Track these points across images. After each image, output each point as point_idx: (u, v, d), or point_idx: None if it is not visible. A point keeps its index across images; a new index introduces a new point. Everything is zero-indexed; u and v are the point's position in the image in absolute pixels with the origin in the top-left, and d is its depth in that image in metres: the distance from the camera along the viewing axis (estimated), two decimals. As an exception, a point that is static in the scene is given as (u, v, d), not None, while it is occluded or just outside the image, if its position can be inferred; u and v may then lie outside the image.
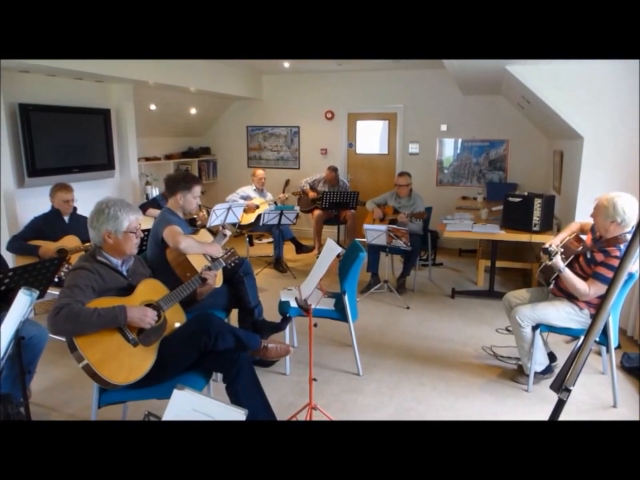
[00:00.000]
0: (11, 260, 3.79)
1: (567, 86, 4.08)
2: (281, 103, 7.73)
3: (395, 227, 4.71)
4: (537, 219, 4.39)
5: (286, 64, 6.69)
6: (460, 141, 7.02)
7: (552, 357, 3.41)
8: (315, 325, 2.58)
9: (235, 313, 3.50)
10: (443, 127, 7.01)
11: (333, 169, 6.63)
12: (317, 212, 6.54)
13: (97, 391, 2.27)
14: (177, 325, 2.40)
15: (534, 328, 3.10)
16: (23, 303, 1.68)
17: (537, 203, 4.38)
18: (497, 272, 5.05)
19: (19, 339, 2.16)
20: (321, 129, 7.62)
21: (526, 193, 4.61)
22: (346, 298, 3.29)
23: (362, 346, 3.68)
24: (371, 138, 7.56)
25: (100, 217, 2.27)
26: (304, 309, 2.50)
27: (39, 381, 3.18)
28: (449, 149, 7.10)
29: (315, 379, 2.66)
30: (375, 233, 4.73)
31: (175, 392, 1.30)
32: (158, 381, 2.26)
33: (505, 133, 6.77)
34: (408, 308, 4.73)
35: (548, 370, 3.29)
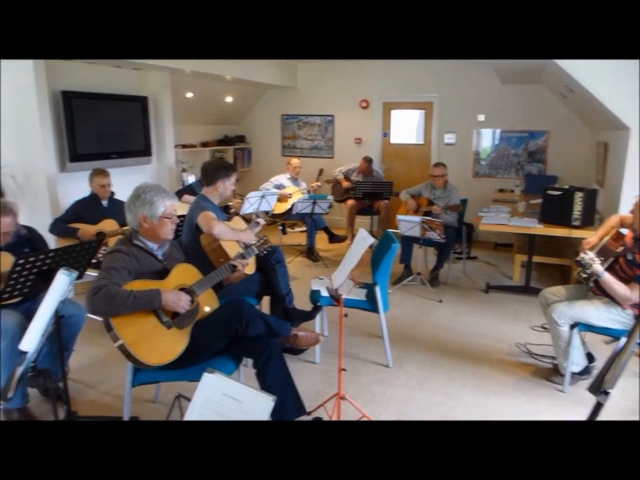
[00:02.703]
0: (52, 241, 3.91)
1: (613, 74, 3.90)
2: (315, 92, 7.70)
3: (429, 218, 4.64)
4: (578, 213, 4.25)
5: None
6: (498, 131, 6.84)
7: (590, 357, 3.29)
8: (346, 315, 2.56)
9: (266, 300, 3.52)
10: (481, 117, 6.85)
11: (367, 159, 6.57)
12: (350, 202, 6.51)
13: (131, 371, 2.32)
14: (209, 309, 2.43)
15: (572, 326, 3.00)
16: (62, 282, 1.72)
17: (578, 196, 4.23)
18: (533, 267, 4.92)
19: (59, 318, 2.24)
20: (355, 118, 7.55)
21: (566, 186, 4.46)
22: (377, 289, 3.27)
23: (392, 338, 3.66)
24: (406, 127, 7.45)
25: (137, 201, 2.31)
26: (335, 298, 2.49)
27: (77, 359, 3.29)
28: (486, 140, 6.93)
29: (344, 369, 2.65)
30: (408, 224, 4.67)
31: (205, 375, 1.32)
32: (189, 364, 2.30)
33: (546, 124, 6.55)
34: (440, 301, 4.67)
35: (585, 371, 3.18)
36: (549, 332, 3.19)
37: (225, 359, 2.42)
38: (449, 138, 7.10)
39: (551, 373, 3.26)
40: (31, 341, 1.70)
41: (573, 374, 3.12)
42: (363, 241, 2.50)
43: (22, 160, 4.73)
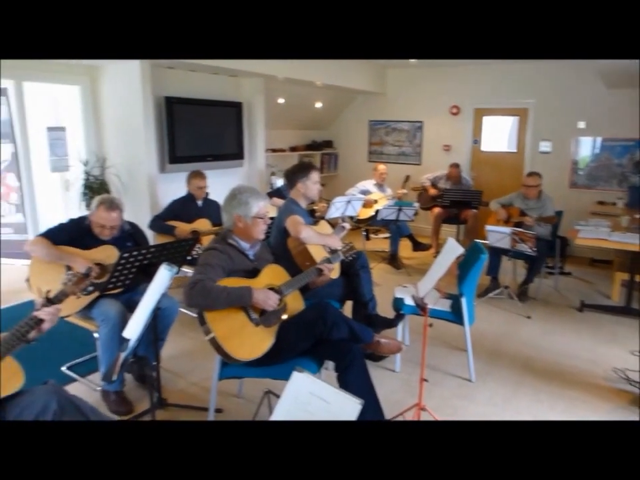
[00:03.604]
0: (151, 238, 4.19)
1: None
2: (404, 98, 7.63)
3: (520, 230, 4.44)
4: (691, 231, 3.88)
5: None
6: (599, 139, 6.40)
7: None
8: (431, 325, 2.52)
9: (348, 305, 3.54)
10: (581, 124, 6.44)
11: (456, 166, 6.41)
12: (436, 210, 6.38)
13: (219, 364, 2.43)
14: (296, 311, 2.49)
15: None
16: (164, 276, 1.84)
17: (693, 213, 3.86)
18: (635, 287, 4.55)
19: (156, 309, 2.39)
20: (445, 125, 7.40)
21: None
22: (463, 300, 3.18)
23: (476, 352, 3.53)
24: (498, 135, 7.19)
25: (232, 201, 2.43)
26: (420, 307, 2.45)
27: (167, 349, 3.48)
28: (585, 148, 6.51)
29: (425, 380, 2.60)
30: (498, 235, 4.50)
31: (295, 374, 1.35)
32: (274, 362, 2.36)
33: (657, 133, 6.04)
34: (529, 317, 4.44)
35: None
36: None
37: (308, 360, 2.46)
38: (545, 146, 6.75)
39: (654, 403, 3.00)
40: (133, 329, 1.83)
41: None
42: (452, 250, 2.45)
43: (126, 160, 5.11)
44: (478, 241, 3.48)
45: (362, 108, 8.03)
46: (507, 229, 4.47)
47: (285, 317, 2.42)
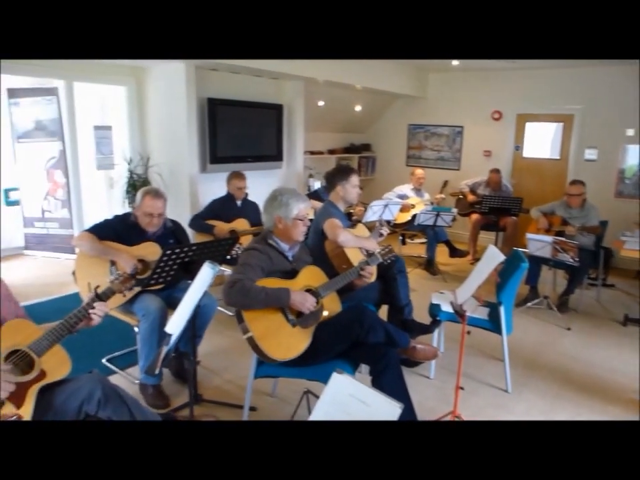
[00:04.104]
0: (190, 236, 4.27)
1: None
2: (445, 102, 7.55)
3: (562, 239, 4.32)
4: None
5: (455, 62, 6.52)
6: (649, 148, 6.17)
7: None
8: (469, 333, 2.49)
9: (383, 309, 3.52)
10: (630, 132, 6.22)
11: (496, 172, 6.30)
12: (474, 216, 6.28)
13: (255, 363, 2.46)
14: (333, 313, 2.49)
15: None
16: (207, 274, 1.88)
17: None
18: (684, 302, 4.37)
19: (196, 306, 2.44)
20: (486, 130, 7.28)
21: None
22: (502, 309, 3.12)
23: (513, 362, 3.46)
24: (541, 141, 7.02)
25: (273, 202, 2.46)
26: (459, 314, 2.42)
27: (203, 346, 3.54)
28: (633, 157, 6.28)
29: (461, 387, 2.57)
30: (538, 243, 4.40)
31: (334, 375, 1.35)
32: (309, 363, 2.37)
33: None
34: (569, 329, 4.32)
35: None
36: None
37: (343, 362, 2.46)
38: (590, 154, 6.56)
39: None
40: (176, 325, 1.87)
41: None
42: (493, 257, 2.41)
43: (169, 160, 5.24)
44: (518, 249, 3.41)
45: (401, 112, 7.99)
46: (549, 238, 4.36)
47: (321, 318, 2.44)
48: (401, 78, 6.94)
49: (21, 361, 1.77)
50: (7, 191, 6.21)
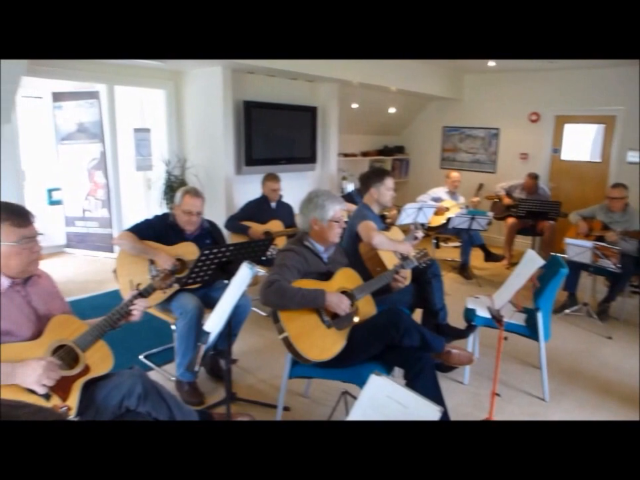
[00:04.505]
0: (226, 237, 4.34)
1: None
2: (481, 104, 7.45)
3: (603, 244, 4.20)
4: None
5: (491, 62, 6.42)
6: (697, 151, 5.94)
7: None
8: (506, 339, 2.44)
9: (417, 313, 3.49)
10: (675, 134, 6.01)
11: (534, 176, 6.17)
12: (510, 220, 6.16)
13: (290, 363, 2.48)
14: (367, 315, 2.49)
15: None
16: (245, 274, 1.91)
17: None
18: None
19: (233, 306, 2.47)
20: (522, 132, 7.14)
21: None
22: (539, 315, 3.05)
23: (551, 370, 3.38)
24: (580, 143, 6.84)
25: (309, 205, 2.48)
26: (496, 319, 2.39)
27: (238, 345, 3.60)
28: (680, 161, 6.07)
29: (497, 394, 2.52)
30: (578, 249, 4.28)
31: (372, 377, 1.35)
32: (343, 365, 2.38)
33: None
34: (610, 338, 4.19)
35: None
36: None
37: (377, 365, 2.45)
38: (633, 156, 6.35)
39: None
40: (215, 323, 1.91)
41: None
42: (532, 262, 2.37)
43: (205, 162, 5.34)
44: (557, 254, 3.34)
45: (436, 113, 7.92)
46: (589, 243, 4.24)
47: (356, 320, 2.44)
48: (436, 79, 6.88)
49: (67, 355, 1.83)
50: (50, 191, 6.44)
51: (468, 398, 3.14)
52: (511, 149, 7.28)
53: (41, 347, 1.79)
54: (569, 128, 6.87)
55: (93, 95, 5.74)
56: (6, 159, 4.21)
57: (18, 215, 1.78)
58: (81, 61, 4.61)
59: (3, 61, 3.39)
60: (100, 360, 1.91)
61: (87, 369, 1.85)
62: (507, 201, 6.27)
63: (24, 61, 3.60)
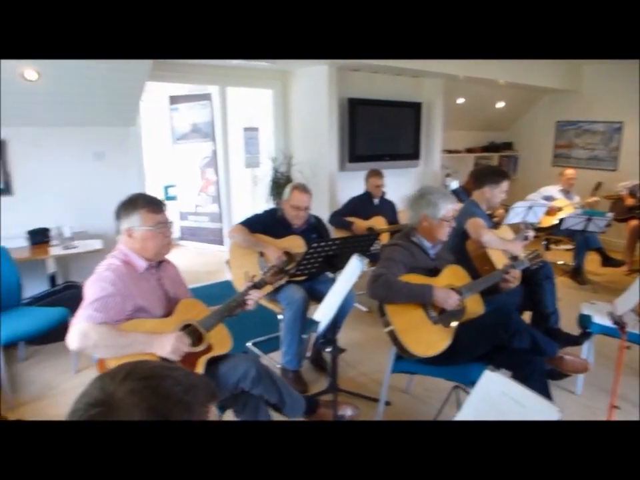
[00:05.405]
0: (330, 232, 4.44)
1: None
2: (602, 96, 6.88)
3: None
4: None
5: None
6: None
7: None
8: (628, 347, 2.28)
9: (525, 316, 3.34)
10: None
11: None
12: (633, 222, 5.65)
13: (393, 358, 2.50)
14: (475, 314, 2.44)
15: None
16: (355, 267, 1.96)
17: None
18: None
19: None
20: (650, 126, 6.52)
21: None
22: (668, 325, 2.79)
23: (678, 386, 3.08)
24: None
25: (421, 201, 2.48)
26: (620, 325, 2.23)
27: (340, 338, 3.66)
28: None
29: (617, 407, 2.35)
30: None
31: (486, 372, 1.34)
32: (448, 363, 2.35)
33: None
34: None
35: None
36: None
37: (483, 365, 2.37)
38: None
39: None
40: (324, 313, 1.98)
41: None
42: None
43: (310, 159, 5.49)
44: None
45: (549, 107, 7.46)
46: None
47: (463, 318, 2.40)
48: (550, 71, 6.48)
49: (192, 334, 2.01)
50: (166, 188, 6.98)
51: (580, 409, 2.96)
52: (635, 145, 6.66)
53: (171, 325, 1.98)
54: None
55: (206, 97, 6.13)
56: (132, 161, 4.61)
57: (153, 204, 2.00)
58: (196, 65, 4.95)
59: (129, 63, 3.73)
60: (221, 341, 2.07)
61: (209, 348, 2.01)
62: (629, 201, 5.76)
63: (147, 67, 3.92)
